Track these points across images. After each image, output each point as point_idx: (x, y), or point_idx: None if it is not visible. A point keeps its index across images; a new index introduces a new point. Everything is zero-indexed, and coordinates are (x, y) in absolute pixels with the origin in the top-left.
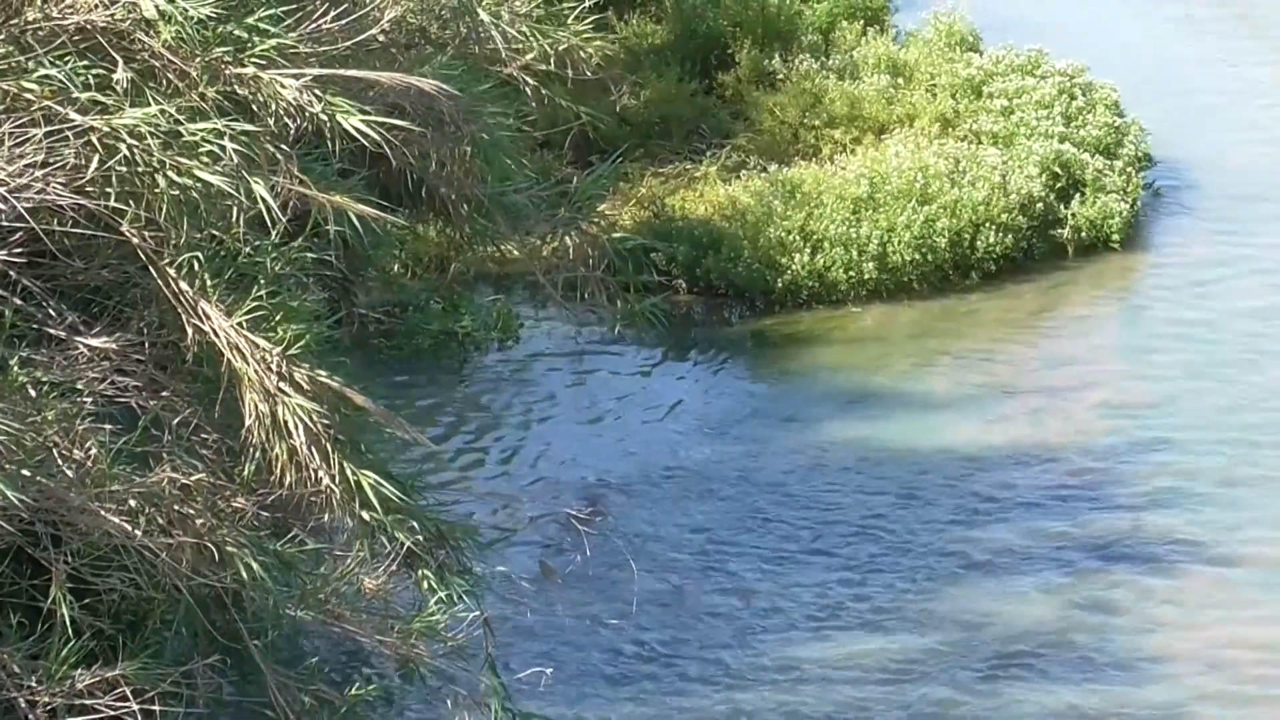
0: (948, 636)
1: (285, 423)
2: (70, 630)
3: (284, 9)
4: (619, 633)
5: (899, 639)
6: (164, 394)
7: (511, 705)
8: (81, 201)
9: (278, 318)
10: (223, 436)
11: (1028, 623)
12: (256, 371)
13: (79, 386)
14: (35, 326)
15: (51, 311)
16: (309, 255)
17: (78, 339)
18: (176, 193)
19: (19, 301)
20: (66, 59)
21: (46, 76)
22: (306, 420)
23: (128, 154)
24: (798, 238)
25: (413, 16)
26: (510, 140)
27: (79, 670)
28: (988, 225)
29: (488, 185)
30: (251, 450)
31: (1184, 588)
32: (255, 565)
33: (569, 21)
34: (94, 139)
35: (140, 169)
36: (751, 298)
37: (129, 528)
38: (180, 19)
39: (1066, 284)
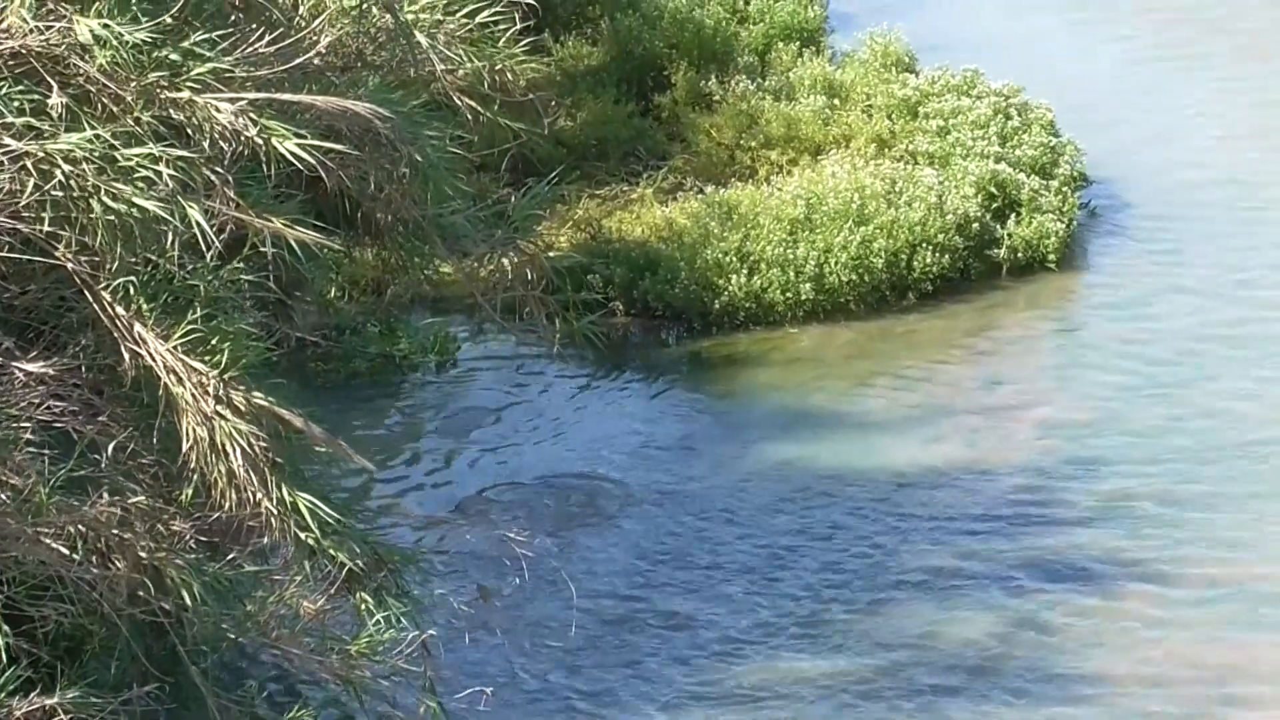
0: (886, 657)
1: (223, 445)
2: (6, 658)
3: (220, 33)
4: (557, 655)
5: (837, 660)
6: (101, 418)
7: None
8: (17, 226)
9: (214, 341)
10: (161, 460)
11: (966, 643)
12: (193, 395)
13: (14, 412)
14: None
15: None
16: (245, 278)
17: (14, 364)
18: (112, 218)
19: None
20: (1, 85)
21: None
22: (244, 443)
23: (63, 179)
24: (734, 259)
25: (349, 40)
26: (447, 162)
27: (16, 699)
28: (924, 246)
29: (424, 207)
30: (190, 474)
31: (1122, 607)
32: (194, 589)
33: (503, 44)
34: (29, 164)
35: (76, 194)
36: (688, 319)
37: (67, 554)
38: (116, 43)
39: (1003, 304)
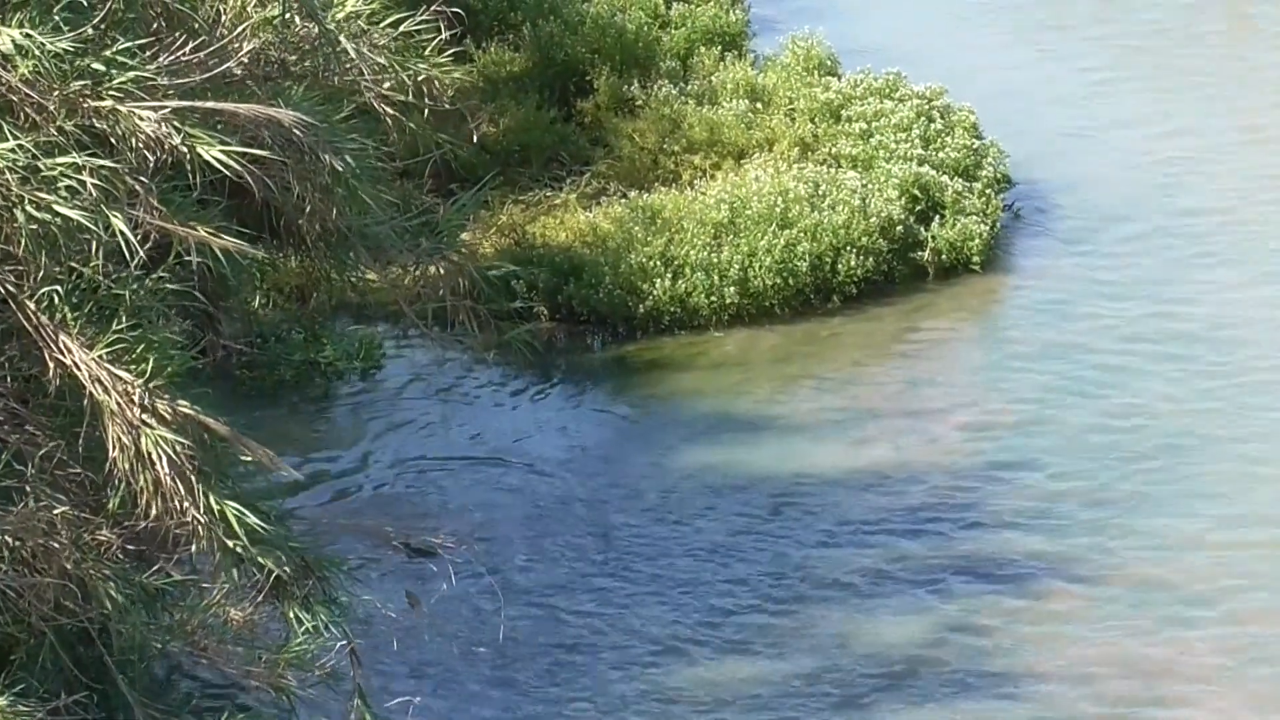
0: (814, 661)
1: (149, 454)
2: None
3: (142, 42)
4: (485, 661)
5: (765, 664)
6: (26, 428)
7: None
8: None
9: (139, 349)
10: (86, 470)
11: (894, 645)
12: (119, 403)
13: None
14: None
15: None
16: (170, 287)
17: None
18: (36, 227)
19: None
20: None
21: None
22: (170, 451)
23: None
24: (659, 263)
25: (271, 49)
26: (370, 171)
27: None
28: (848, 249)
29: (347, 216)
30: (116, 482)
31: (1051, 607)
32: (120, 598)
33: (427, 52)
34: None
35: None
36: (613, 324)
37: None
38: (37, 53)
39: (927, 306)
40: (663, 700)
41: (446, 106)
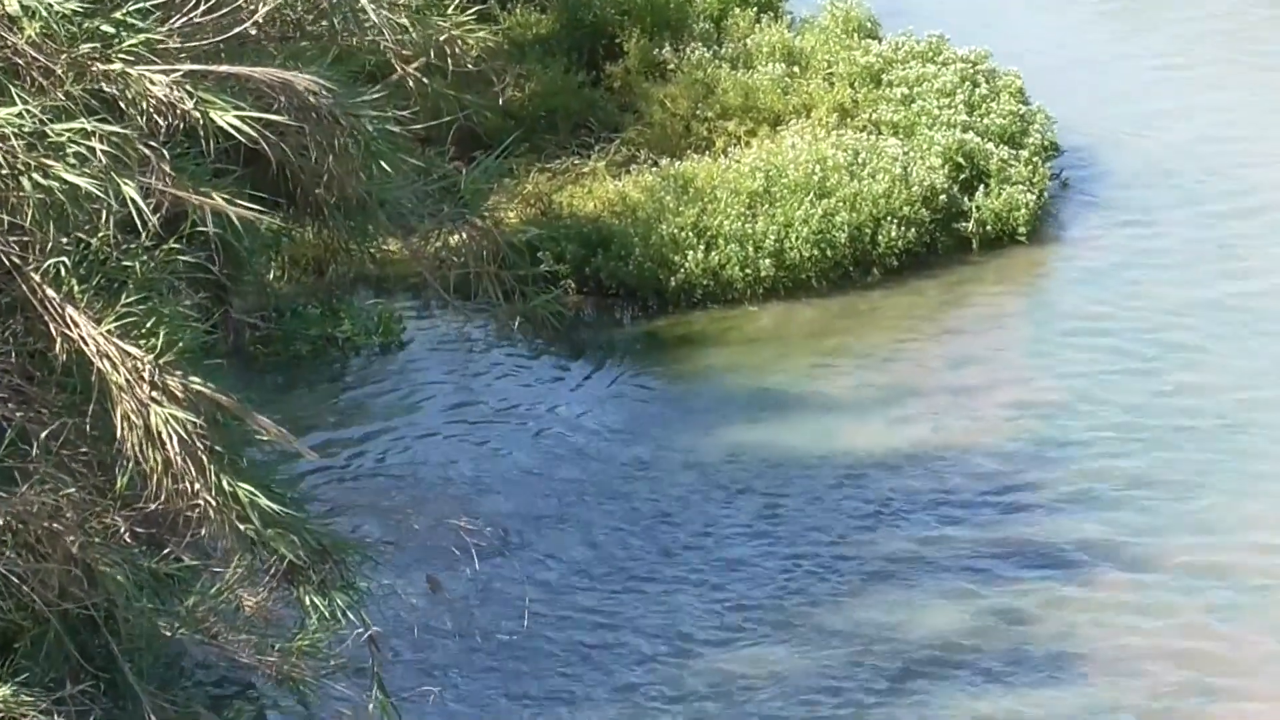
0: (850, 649)
1: (159, 433)
2: None
3: (154, 2)
4: (510, 649)
5: (797, 654)
6: (31, 406)
7: None
8: None
9: (149, 324)
10: (94, 449)
11: (934, 633)
12: (128, 380)
13: None
14: None
15: None
16: (182, 258)
17: None
18: (43, 196)
19: None
20: None
21: None
22: (180, 430)
23: None
24: (691, 235)
25: (289, 9)
26: (390, 136)
27: None
28: (889, 219)
29: (367, 183)
30: (124, 463)
31: (1098, 595)
32: (128, 584)
33: (450, 11)
34: None
35: (4, 171)
36: (643, 298)
37: None
38: (45, 14)
39: (971, 279)
40: (695, 689)
41: (470, 68)
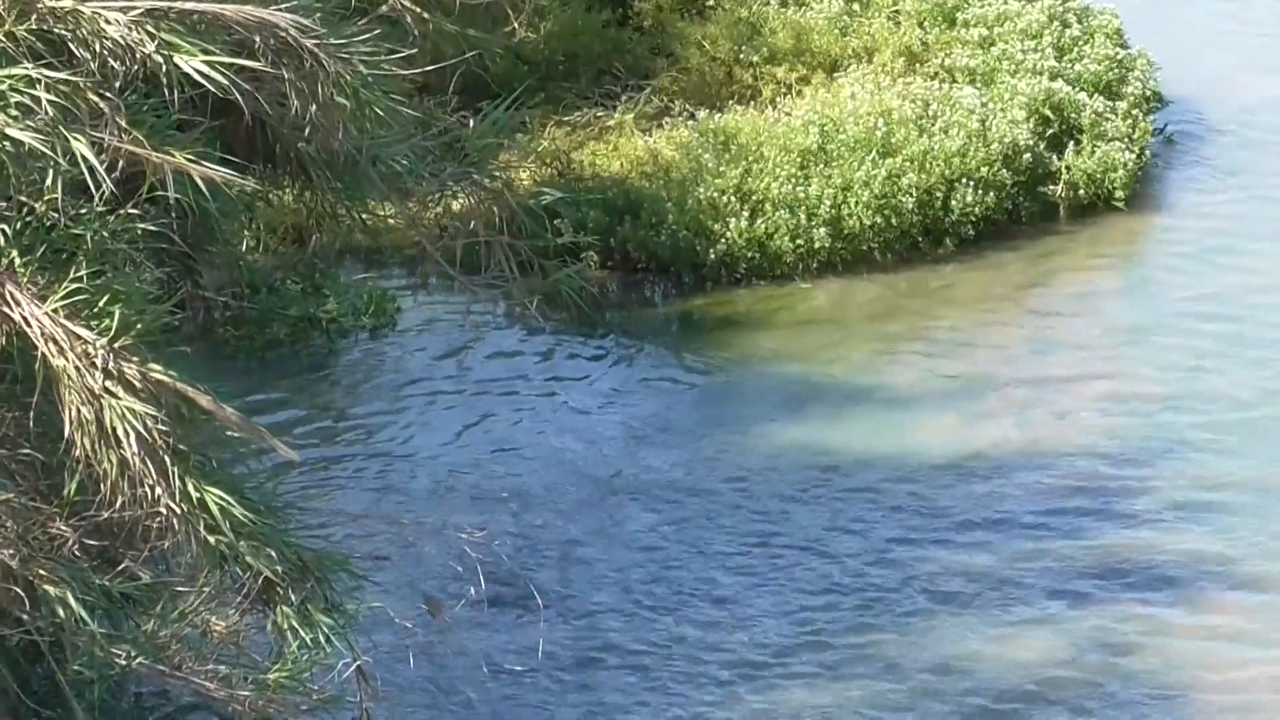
0: (924, 681)
1: (114, 430)
2: None
3: None
4: (519, 680)
5: (866, 685)
6: None
7: None
8: None
9: (103, 302)
10: (38, 448)
11: (1020, 665)
12: (77, 368)
13: None
14: None
15: None
16: (141, 226)
17: None
18: None
19: None
20: None
21: None
22: (139, 426)
23: None
24: (733, 199)
25: None
26: (384, 83)
27: None
28: (964, 181)
29: (357, 137)
30: (73, 465)
31: (1208, 619)
32: (76, 605)
33: None
34: None
35: None
36: (678, 272)
37: None
38: None
39: (1059, 252)
40: None
41: (477, 2)
